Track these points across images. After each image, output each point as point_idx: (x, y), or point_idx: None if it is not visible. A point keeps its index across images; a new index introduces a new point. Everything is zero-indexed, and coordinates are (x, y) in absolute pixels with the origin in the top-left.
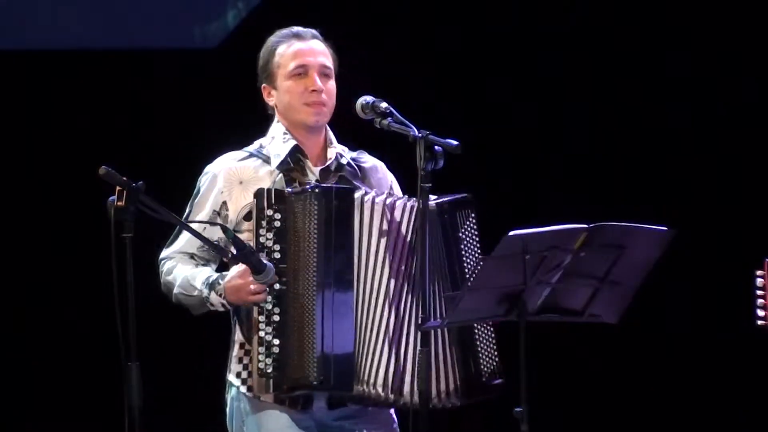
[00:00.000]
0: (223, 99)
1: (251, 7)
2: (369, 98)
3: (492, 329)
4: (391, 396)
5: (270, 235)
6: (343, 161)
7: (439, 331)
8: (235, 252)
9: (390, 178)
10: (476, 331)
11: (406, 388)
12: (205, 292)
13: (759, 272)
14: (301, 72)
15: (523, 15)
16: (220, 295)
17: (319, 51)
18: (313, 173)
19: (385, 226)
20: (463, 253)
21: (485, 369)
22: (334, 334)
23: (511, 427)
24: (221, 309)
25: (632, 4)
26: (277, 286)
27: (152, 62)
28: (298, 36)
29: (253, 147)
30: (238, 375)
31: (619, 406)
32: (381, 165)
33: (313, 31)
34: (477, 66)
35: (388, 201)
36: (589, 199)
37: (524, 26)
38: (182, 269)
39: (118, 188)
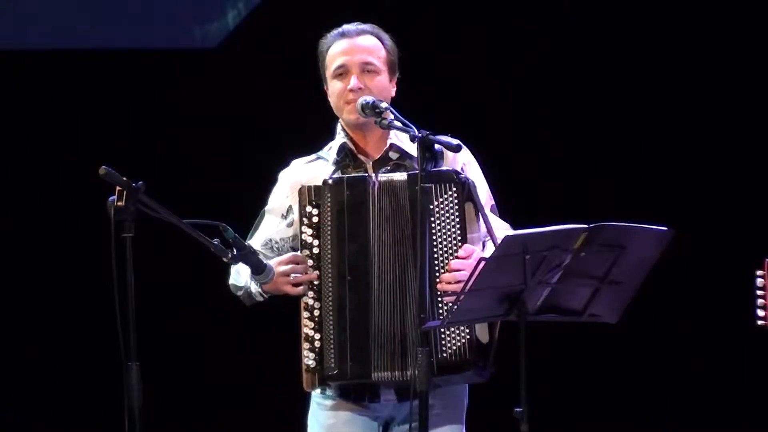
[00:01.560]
0: (223, 99)
1: (251, 7)
2: (369, 98)
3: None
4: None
5: (309, 231)
6: (400, 146)
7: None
8: (235, 252)
9: (463, 160)
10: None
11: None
12: (248, 282)
13: (759, 272)
14: (342, 72)
15: (517, 14)
16: (258, 285)
17: (362, 47)
18: (367, 166)
19: (389, 209)
20: (434, 227)
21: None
22: (351, 325)
23: (511, 427)
24: (260, 299)
25: (633, 4)
26: (316, 281)
27: (152, 62)
28: (343, 34)
29: (324, 150)
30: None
31: (618, 406)
32: (449, 153)
33: (362, 26)
34: (477, 66)
35: (389, 179)
36: (589, 199)
37: (523, 24)
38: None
39: (118, 188)
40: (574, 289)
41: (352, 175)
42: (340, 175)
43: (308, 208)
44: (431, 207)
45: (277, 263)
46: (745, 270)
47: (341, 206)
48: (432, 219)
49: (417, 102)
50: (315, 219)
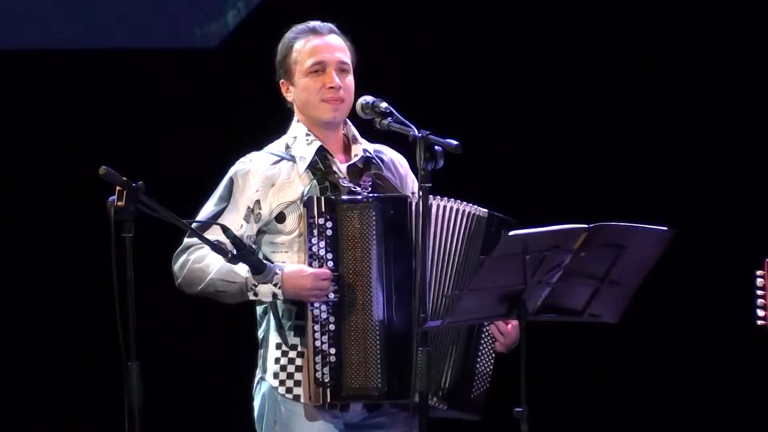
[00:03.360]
0: (223, 99)
1: (251, 7)
2: (369, 98)
3: (493, 355)
4: (444, 405)
5: (322, 244)
6: (370, 155)
7: (449, 330)
8: (235, 252)
9: (409, 174)
10: (482, 341)
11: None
12: (252, 280)
13: (759, 272)
14: (318, 69)
15: (519, 14)
16: (276, 285)
17: (337, 46)
18: (341, 171)
19: (440, 233)
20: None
21: (478, 382)
22: (396, 344)
23: (511, 427)
24: (267, 299)
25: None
26: (331, 296)
27: (152, 62)
28: (314, 31)
29: (278, 147)
30: (276, 376)
31: (618, 406)
32: (400, 158)
33: (331, 26)
34: (477, 66)
35: (443, 205)
36: (589, 199)
37: (524, 22)
38: (218, 257)
39: (118, 188)
40: (574, 289)
41: (394, 195)
42: (379, 194)
43: (320, 220)
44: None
45: (318, 278)
46: (745, 270)
47: (387, 226)
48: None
49: (417, 102)
50: (329, 232)
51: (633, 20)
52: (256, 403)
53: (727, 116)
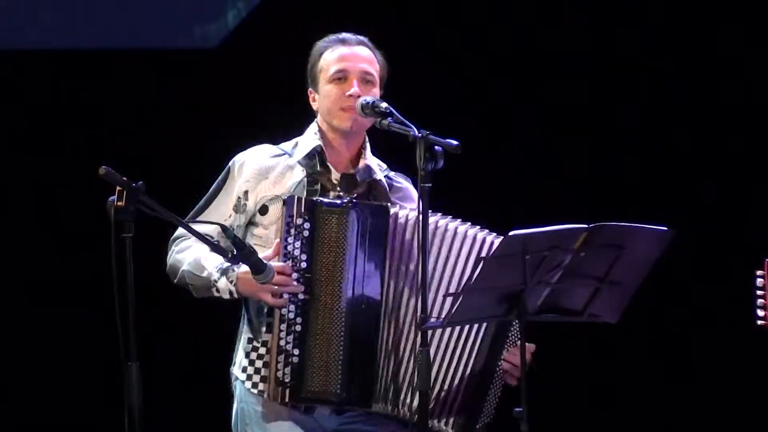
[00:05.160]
0: (223, 99)
1: (251, 7)
2: (369, 98)
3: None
4: (408, 414)
5: (297, 244)
6: (377, 176)
7: (464, 356)
8: (235, 252)
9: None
10: (495, 378)
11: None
12: (215, 275)
13: (759, 272)
14: (341, 76)
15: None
16: (231, 282)
17: (363, 57)
18: (335, 177)
19: (416, 246)
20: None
21: (483, 416)
22: (360, 351)
23: (511, 427)
24: (226, 296)
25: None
26: (301, 296)
27: (152, 62)
28: (343, 41)
29: (289, 145)
30: (244, 370)
31: (618, 406)
32: (413, 191)
33: (361, 38)
34: (476, 65)
35: (407, 214)
36: (589, 199)
37: (524, 23)
38: (197, 250)
39: (118, 188)
40: (574, 289)
41: (374, 204)
42: (367, 202)
43: (298, 220)
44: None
45: (275, 271)
46: (745, 270)
47: (364, 233)
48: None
49: (415, 101)
50: (306, 233)
51: (633, 20)
52: (233, 401)
53: (727, 116)
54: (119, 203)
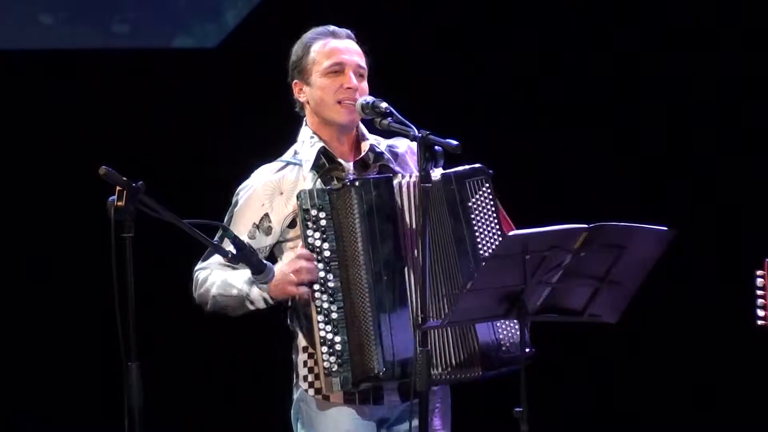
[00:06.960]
0: (223, 99)
1: (251, 7)
2: (369, 98)
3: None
4: (458, 374)
5: (317, 235)
6: (380, 150)
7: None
8: (235, 252)
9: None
10: None
11: (472, 360)
12: (246, 289)
13: (759, 272)
14: (337, 69)
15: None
16: (261, 289)
17: (355, 51)
18: (347, 167)
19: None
20: (475, 222)
21: (505, 339)
22: (392, 324)
23: (511, 427)
24: (261, 306)
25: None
26: (331, 284)
27: (152, 62)
28: (334, 34)
29: (288, 155)
30: (305, 379)
31: (618, 406)
32: (414, 145)
33: (348, 31)
34: (477, 65)
35: (413, 180)
36: (588, 199)
37: (526, 23)
38: (219, 274)
39: (118, 188)
40: (574, 289)
41: (376, 176)
42: (366, 176)
43: (313, 212)
44: (469, 204)
45: (295, 261)
46: (745, 270)
47: (370, 207)
48: (473, 216)
49: (414, 101)
50: (323, 222)
51: (634, 20)
52: (291, 409)
53: (727, 116)
54: (119, 203)
